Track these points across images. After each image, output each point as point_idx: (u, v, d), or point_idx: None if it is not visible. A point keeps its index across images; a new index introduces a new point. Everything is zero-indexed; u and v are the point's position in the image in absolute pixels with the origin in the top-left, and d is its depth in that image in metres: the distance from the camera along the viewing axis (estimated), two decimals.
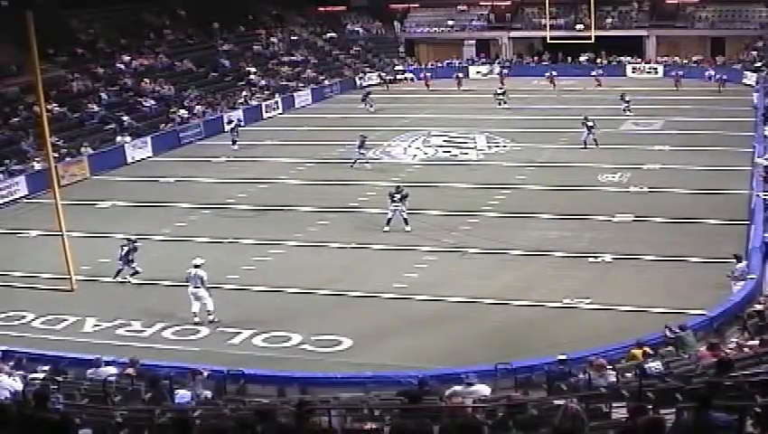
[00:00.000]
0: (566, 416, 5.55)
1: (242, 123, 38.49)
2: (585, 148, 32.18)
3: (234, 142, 35.46)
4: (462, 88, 49.72)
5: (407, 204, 23.55)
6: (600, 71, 50.18)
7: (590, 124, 32.60)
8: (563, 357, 13.86)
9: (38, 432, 7.22)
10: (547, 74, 50.09)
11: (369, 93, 44.56)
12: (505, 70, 52.44)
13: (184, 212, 26.65)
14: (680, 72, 48.52)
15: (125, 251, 20.63)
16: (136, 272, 20.69)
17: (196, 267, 18.33)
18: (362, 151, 31.11)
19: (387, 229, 23.38)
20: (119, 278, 20.71)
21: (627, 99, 39.11)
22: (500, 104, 42.60)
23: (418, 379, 12.86)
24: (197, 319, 18.23)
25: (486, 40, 59.01)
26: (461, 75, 51.62)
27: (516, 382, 14.27)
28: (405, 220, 23.41)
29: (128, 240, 20.96)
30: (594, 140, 32.41)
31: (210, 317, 18.23)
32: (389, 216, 23.52)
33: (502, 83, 46.99)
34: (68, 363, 15.47)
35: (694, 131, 34.68)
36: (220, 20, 52.02)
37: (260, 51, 52.57)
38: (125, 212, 27.33)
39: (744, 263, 18.27)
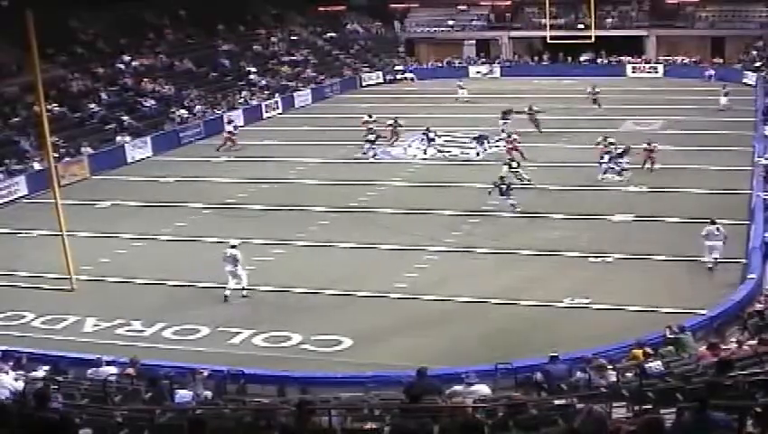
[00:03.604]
0: (590, 418, 5.47)
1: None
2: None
3: None
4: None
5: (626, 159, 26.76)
6: (597, 90, 41.31)
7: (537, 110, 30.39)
8: (554, 354, 13.92)
9: (38, 432, 7.22)
10: (589, 90, 41.59)
11: None
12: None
13: (185, 212, 26.63)
14: (598, 90, 41.14)
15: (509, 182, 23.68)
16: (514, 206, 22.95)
17: (232, 247, 19.54)
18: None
19: (621, 178, 26.57)
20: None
21: (482, 137, 33.54)
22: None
23: (417, 370, 12.86)
24: (227, 293, 19.34)
25: (486, 40, 58.97)
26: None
27: (516, 382, 14.27)
28: (620, 172, 26.52)
29: (506, 172, 22.85)
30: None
31: (244, 293, 19.46)
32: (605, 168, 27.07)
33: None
34: (68, 362, 15.48)
35: (694, 131, 34.66)
36: (220, 20, 52.02)
37: (260, 51, 52.53)
38: (125, 211, 27.31)
39: (714, 226, 19.53)
